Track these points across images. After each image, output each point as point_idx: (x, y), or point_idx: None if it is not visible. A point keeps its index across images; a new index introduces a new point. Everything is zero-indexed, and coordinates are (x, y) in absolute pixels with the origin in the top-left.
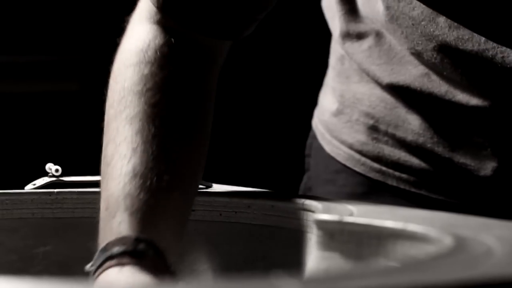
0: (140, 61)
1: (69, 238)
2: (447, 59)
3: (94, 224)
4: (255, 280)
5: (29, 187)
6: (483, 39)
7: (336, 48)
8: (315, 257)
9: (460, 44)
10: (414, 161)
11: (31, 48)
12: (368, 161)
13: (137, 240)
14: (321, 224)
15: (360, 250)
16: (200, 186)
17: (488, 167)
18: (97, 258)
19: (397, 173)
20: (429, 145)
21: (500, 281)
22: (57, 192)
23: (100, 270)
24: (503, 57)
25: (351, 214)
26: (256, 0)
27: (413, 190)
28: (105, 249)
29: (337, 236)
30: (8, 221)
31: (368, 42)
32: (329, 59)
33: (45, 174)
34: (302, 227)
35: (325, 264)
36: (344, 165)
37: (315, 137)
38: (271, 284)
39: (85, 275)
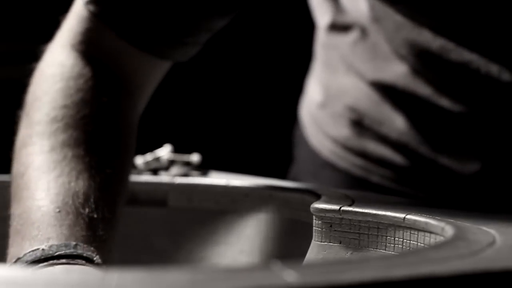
0: (60, 88)
1: None
2: (430, 67)
3: None
4: (252, 269)
5: None
6: (467, 51)
7: (322, 37)
8: (314, 246)
9: (444, 53)
10: (398, 158)
11: (28, 35)
12: (352, 157)
13: (79, 246)
14: (320, 213)
15: (360, 240)
16: (197, 173)
17: (470, 169)
18: (32, 255)
19: (380, 170)
20: (412, 145)
21: (501, 270)
22: None
23: (40, 266)
24: (488, 69)
25: (350, 204)
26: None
27: (396, 187)
28: (48, 249)
29: (336, 225)
30: (1, 207)
31: (353, 35)
32: (314, 47)
33: None
34: (300, 217)
35: (323, 253)
36: (328, 160)
37: (301, 127)
38: (268, 273)
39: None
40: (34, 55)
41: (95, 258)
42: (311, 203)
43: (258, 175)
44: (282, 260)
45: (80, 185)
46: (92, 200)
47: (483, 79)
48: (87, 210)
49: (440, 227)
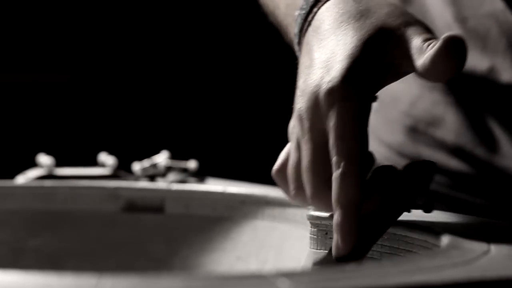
0: None
1: (60, 231)
2: (494, 29)
3: (85, 217)
4: (248, 276)
5: (20, 178)
6: None
7: None
8: (309, 254)
9: (509, 15)
10: (453, 163)
11: (24, 40)
12: None
13: None
14: (315, 221)
15: None
16: (194, 179)
17: None
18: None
19: (436, 176)
20: (468, 147)
21: (494, 279)
22: (49, 185)
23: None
24: None
25: None
26: None
27: (452, 193)
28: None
29: (332, 233)
30: None
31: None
32: None
33: (36, 165)
34: (296, 224)
35: (319, 261)
36: None
37: None
38: (262, 280)
39: (76, 268)
40: (27, 60)
41: None
42: (307, 210)
43: (256, 182)
44: (278, 267)
45: None
46: None
47: None
48: None
49: (435, 235)
